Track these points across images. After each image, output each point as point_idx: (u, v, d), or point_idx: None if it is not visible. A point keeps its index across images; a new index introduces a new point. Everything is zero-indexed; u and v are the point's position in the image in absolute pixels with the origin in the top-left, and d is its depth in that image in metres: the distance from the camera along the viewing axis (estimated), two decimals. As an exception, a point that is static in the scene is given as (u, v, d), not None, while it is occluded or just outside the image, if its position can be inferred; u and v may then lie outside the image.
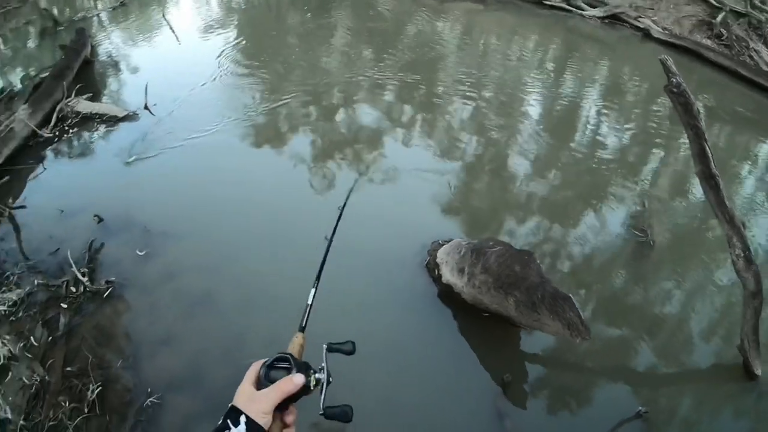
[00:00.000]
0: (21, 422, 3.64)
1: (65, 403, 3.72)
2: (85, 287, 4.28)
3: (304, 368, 1.22)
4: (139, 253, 4.59)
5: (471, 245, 4.15)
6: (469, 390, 3.87)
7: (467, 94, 7.73)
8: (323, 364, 1.25)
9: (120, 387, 3.83)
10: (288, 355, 1.22)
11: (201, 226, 4.97)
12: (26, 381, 3.83)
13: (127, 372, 3.88)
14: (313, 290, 1.52)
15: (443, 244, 4.49)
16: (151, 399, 3.74)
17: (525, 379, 3.93)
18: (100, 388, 3.79)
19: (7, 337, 4.06)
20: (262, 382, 1.17)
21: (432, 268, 4.39)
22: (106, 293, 4.28)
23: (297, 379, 1.17)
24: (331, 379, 1.24)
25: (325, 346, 1.31)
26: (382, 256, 4.71)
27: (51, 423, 3.64)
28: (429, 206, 5.46)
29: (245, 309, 4.28)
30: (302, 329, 1.39)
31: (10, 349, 3.98)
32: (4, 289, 4.33)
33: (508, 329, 4.09)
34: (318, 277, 1.56)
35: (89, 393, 3.75)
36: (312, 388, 1.21)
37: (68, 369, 3.89)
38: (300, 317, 1.39)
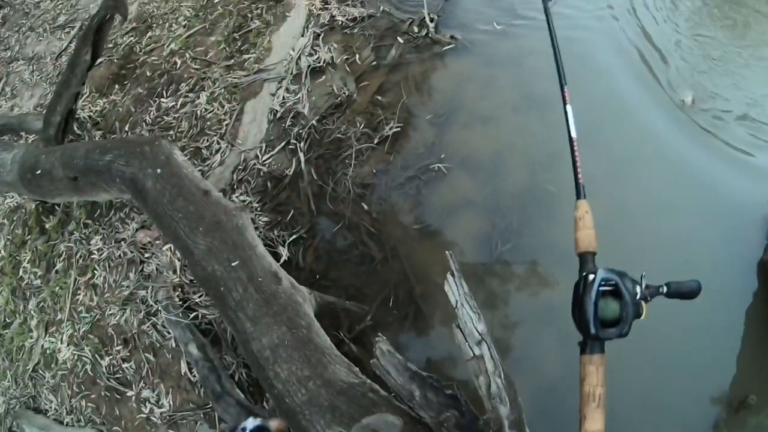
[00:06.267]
0: (313, 121, 3.33)
1: (360, 125, 3.30)
2: (428, 32, 3.71)
3: None
4: (497, 27, 3.83)
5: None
6: (711, 380, 2.76)
7: None
8: None
9: (417, 137, 3.31)
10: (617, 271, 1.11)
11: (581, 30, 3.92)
12: (335, 90, 3.52)
13: (431, 128, 3.31)
14: None
15: None
16: (440, 165, 3.17)
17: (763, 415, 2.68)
18: (399, 129, 3.27)
19: (335, 45, 3.74)
20: None
21: None
22: (447, 47, 3.67)
23: None
24: None
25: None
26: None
27: (339, 135, 3.29)
28: None
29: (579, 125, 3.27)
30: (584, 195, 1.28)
31: (333, 57, 3.68)
32: (348, 2, 3.98)
33: None
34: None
35: (386, 128, 3.29)
36: None
37: (378, 98, 3.45)
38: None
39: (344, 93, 3.47)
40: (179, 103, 3.85)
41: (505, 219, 3.03)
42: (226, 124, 3.58)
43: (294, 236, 3.10)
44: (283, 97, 3.56)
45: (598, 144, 3.17)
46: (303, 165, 3.24)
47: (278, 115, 3.50)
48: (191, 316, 2.97)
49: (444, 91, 3.48)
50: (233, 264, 2.43)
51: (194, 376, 2.88)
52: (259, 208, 3.22)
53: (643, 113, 3.31)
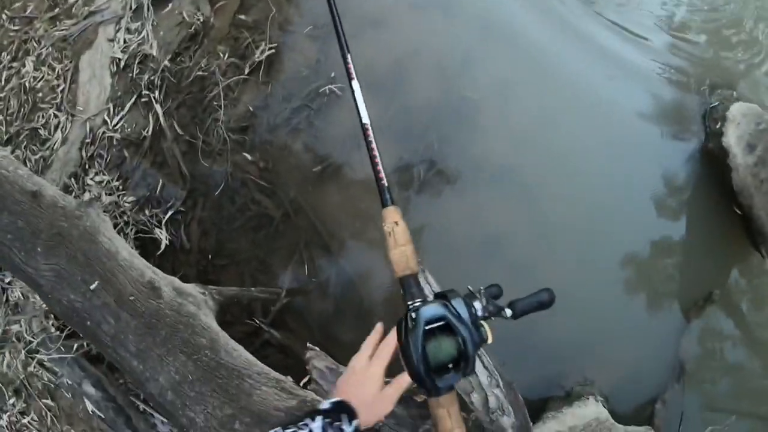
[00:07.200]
0: (165, 62, 2.64)
1: (224, 55, 2.60)
2: None
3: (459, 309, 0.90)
4: None
5: (779, 126, 2.65)
6: (666, 279, 2.56)
7: None
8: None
9: (298, 58, 2.69)
10: (442, 301, 0.91)
11: None
12: (186, 18, 2.81)
13: (313, 43, 2.67)
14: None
15: (739, 100, 2.88)
16: (330, 86, 2.57)
17: (728, 310, 2.58)
18: (272, 51, 2.62)
19: (180, -38, 2.96)
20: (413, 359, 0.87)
21: (716, 118, 2.91)
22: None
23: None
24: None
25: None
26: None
27: (200, 73, 2.60)
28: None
29: (493, 31, 2.80)
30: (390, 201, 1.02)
31: (179, -22, 2.90)
32: None
33: (746, 245, 2.60)
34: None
35: (257, 52, 2.62)
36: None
37: (241, 17, 2.76)
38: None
39: (198, 19, 2.77)
40: (3, 78, 3.06)
41: (423, 140, 2.52)
42: (61, 90, 2.84)
43: (170, 212, 2.47)
44: (125, 40, 2.83)
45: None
46: (162, 120, 2.58)
47: (122, 63, 2.78)
48: (75, 346, 2.36)
49: (321, -5, 2.81)
50: (92, 287, 1.86)
51: (104, 414, 2.32)
52: (120, 187, 2.55)
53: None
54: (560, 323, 2.36)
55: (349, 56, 1.15)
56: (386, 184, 1.04)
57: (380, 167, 1.05)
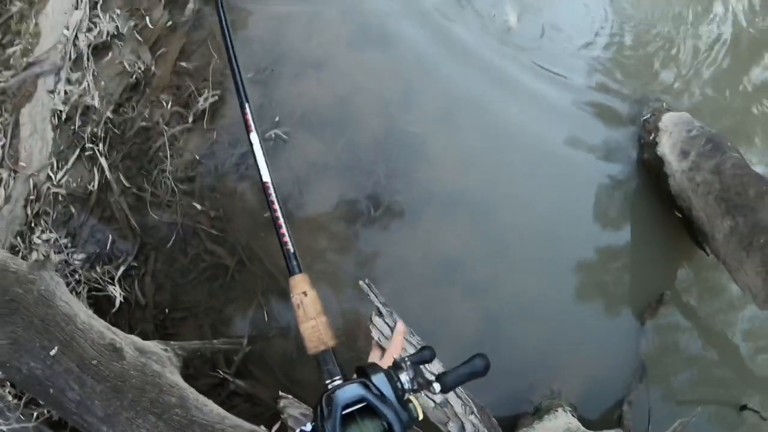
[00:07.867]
0: (108, 113, 2.60)
1: (167, 104, 2.58)
2: (227, -30, 2.98)
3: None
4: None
5: (705, 132, 2.89)
6: (618, 285, 2.71)
7: None
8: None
9: None
10: (361, 380, 0.84)
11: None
12: (127, 67, 2.78)
13: (256, 87, 2.68)
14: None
15: (669, 110, 3.06)
16: (276, 131, 2.60)
17: (681, 307, 2.72)
18: (216, 98, 2.60)
19: (119, 11, 2.95)
20: None
21: (650, 129, 3.10)
22: (254, -11, 2.97)
23: None
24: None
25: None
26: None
27: (144, 123, 2.57)
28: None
29: (430, 67, 2.85)
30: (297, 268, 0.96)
31: (117, 26, 2.91)
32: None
33: (688, 245, 2.77)
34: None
35: (201, 100, 2.60)
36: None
37: (183, 65, 2.74)
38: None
39: (139, 68, 2.75)
40: (-60, 134, 2.96)
41: (371, 177, 2.56)
42: (2, 146, 2.77)
43: (122, 267, 2.44)
44: (65, 92, 2.79)
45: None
46: (108, 173, 2.56)
47: (63, 116, 2.73)
48: (35, 414, 2.26)
49: (261, 39, 2.83)
50: (52, 353, 1.83)
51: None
52: (69, 244, 2.51)
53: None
54: (522, 337, 2.44)
55: (247, 106, 1.06)
56: (292, 250, 0.96)
57: (284, 230, 0.97)
